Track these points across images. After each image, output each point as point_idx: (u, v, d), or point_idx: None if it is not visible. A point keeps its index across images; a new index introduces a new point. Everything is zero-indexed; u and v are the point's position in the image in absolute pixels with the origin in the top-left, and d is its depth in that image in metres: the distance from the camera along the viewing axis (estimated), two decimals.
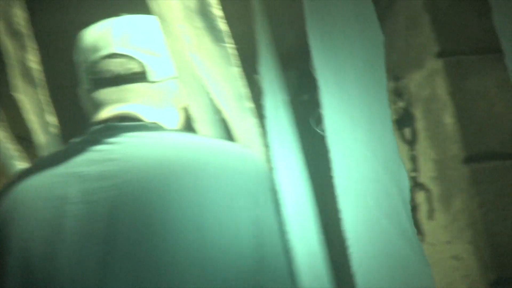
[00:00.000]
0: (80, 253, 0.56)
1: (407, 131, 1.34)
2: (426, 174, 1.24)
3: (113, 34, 0.70)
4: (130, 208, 0.57)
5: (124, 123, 0.67)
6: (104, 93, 0.70)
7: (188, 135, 0.69)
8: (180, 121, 0.78)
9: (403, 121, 1.35)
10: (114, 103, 0.70)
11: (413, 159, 1.30)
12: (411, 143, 1.31)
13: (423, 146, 1.25)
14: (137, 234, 0.56)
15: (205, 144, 0.66)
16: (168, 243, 0.56)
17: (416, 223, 1.31)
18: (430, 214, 1.23)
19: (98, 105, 0.71)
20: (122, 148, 0.63)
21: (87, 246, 0.56)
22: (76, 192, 0.59)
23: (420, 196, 1.30)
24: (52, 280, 0.55)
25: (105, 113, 0.69)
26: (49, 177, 0.63)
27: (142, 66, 0.70)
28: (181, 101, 0.76)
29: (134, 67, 0.69)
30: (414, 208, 1.32)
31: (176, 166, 0.60)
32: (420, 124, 1.26)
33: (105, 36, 0.71)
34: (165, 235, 0.56)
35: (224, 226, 0.57)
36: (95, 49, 0.70)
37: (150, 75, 0.70)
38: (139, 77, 0.70)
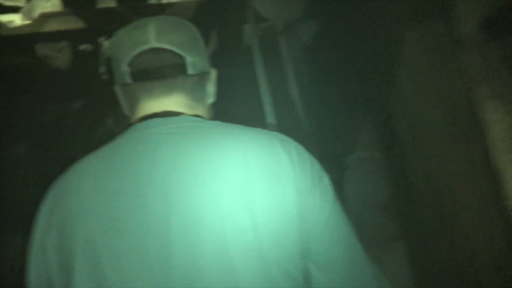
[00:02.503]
0: (139, 244, 0.60)
1: None
2: None
3: (152, 30, 0.74)
4: (182, 197, 0.61)
5: (169, 117, 0.72)
6: (146, 87, 0.75)
7: (229, 125, 0.71)
8: (210, 115, 0.81)
9: None
10: (156, 95, 0.75)
11: None
12: None
13: None
14: (191, 219, 0.59)
15: (250, 132, 0.69)
16: (219, 226, 0.58)
17: None
18: None
19: (140, 99, 0.77)
20: (169, 140, 0.67)
21: (144, 239, 0.60)
22: (129, 185, 0.64)
23: None
24: (118, 271, 0.59)
25: (149, 108, 0.75)
26: (102, 171, 0.67)
27: (182, 59, 0.74)
28: (212, 96, 0.82)
29: (174, 60, 0.74)
30: None
31: (224, 152, 0.64)
32: None
33: (144, 32, 0.74)
34: (217, 217, 0.59)
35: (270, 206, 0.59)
36: (135, 44, 0.74)
37: (189, 68, 0.74)
38: (179, 69, 0.74)
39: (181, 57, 0.75)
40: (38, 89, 2.99)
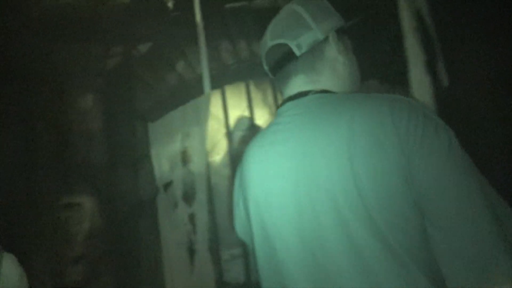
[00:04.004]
0: (281, 201, 0.78)
1: None
2: None
3: (268, 33, 0.89)
4: (304, 164, 0.75)
5: (299, 98, 0.83)
6: (278, 78, 0.89)
7: (345, 96, 0.79)
8: (351, 76, 0.89)
9: None
10: (284, 83, 0.88)
11: None
12: None
13: None
14: (311, 181, 0.74)
15: (354, 98, 0.77)
16: (331, 187, 0.70)
17: None
18: None
19: (280, 88, 0.91)
20: (296, 120, 0.81)
21: (284, 196, 0.77)
22: (274, 157, 0.81)
23: None
24: (271, 224, 0.79)
25: (286, 93, 0.88)
26: (260, 147, 0.86)
27: (288, 46, 0.84)
28: (337, 59, 0.86)
29: (282, 51, 0.85)
30: None
31: (333, 123, 0.73)
32: None
33: (265, 36, 0.90)
34: (329, 180, 0.71)
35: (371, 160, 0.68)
36: (263, 48, 0.90)
37: (295, 51, 0.83)
38: (287, 57, 0.85)
39: (286, 45, 0.84)
40: (100, 32, 2.62)
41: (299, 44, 0.83)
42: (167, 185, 2.96)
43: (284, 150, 0.79)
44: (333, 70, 0.85)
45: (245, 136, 3.13)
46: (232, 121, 3.19)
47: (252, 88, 3.30)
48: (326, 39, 0.84)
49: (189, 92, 2.81)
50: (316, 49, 0.84)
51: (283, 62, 0.85)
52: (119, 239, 2.52)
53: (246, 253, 2.97)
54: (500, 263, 0.56)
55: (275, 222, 0.77)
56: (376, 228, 0.64)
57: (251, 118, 3.24)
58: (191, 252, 2.89)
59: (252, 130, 3.15)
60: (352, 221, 0.66)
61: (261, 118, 3.21)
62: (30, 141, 2.54)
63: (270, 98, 3.38)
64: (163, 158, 2.97)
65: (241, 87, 3.24)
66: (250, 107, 3.19)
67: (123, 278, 2.49)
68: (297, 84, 0.85)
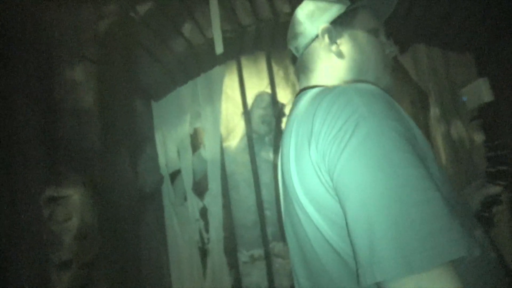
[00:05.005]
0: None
1: None
2: None
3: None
4: (281, 162, 0.87)
5: (298, 96, 0.89)
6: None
7: (312, 93, 0.80)
8: (342, 67, 0.87)
9: None
10: (298, 82, 0.95)
11: None
12: None
13: None
14: (282, 173, 0.86)
15: (312, 92, 0.80)
16: (284, 175, 0.82)
17: None
18: None
19: None
20: (292, 110, 0.87)
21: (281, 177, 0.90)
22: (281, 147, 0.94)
23: None
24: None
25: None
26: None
27: (292, 48, 0.94)
28: (331, 50, 0.87)
29: (291, 54, 0.95)
30: None
31: (289, 122, 0.83)
32: None
33: None
34: (284, 170, 0.82)
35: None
36: None
37: (296, 53, 0.92)
38: (294, 57, 0.94)
39: (292, 47, 0.93)
40: None
41: (297, 48, 0.91)
42: (174, 174, 2.51)
43: (281, 144, 0.87)
44: (327, 63, 0.87)
45: (265, 115, 2.66)
46: (250, 98, 2.72)
47: (274, 63, 2.82)
48: (317, 37, 0.87)
49: (199, 64, 2.35)
50: (310, 47, 0.89)
51: (293, 64, 0.94)
52: (116, 239, 2.09)
53: (268, 254, 2.51)
54: (385, 268, 0.54)
55: (283, 215, 0.90)
56: (302, 205, 0.73)
57: (272, 95, 2.77)
58: (203, 253, 2.45)
59: (274, 108, 2.68)
60: (293, 200, 0.76)
61: (284, 98, 2.73)
62: (8, 120, 2.11)
63: (293, 76, 2.89)
64: (169, 143, 2.52)
65: (261, 58, 2.75)
66: (272, 83, 2.72)
67: (122, 286, 2.06)
68: (301, 81, 0.92)
